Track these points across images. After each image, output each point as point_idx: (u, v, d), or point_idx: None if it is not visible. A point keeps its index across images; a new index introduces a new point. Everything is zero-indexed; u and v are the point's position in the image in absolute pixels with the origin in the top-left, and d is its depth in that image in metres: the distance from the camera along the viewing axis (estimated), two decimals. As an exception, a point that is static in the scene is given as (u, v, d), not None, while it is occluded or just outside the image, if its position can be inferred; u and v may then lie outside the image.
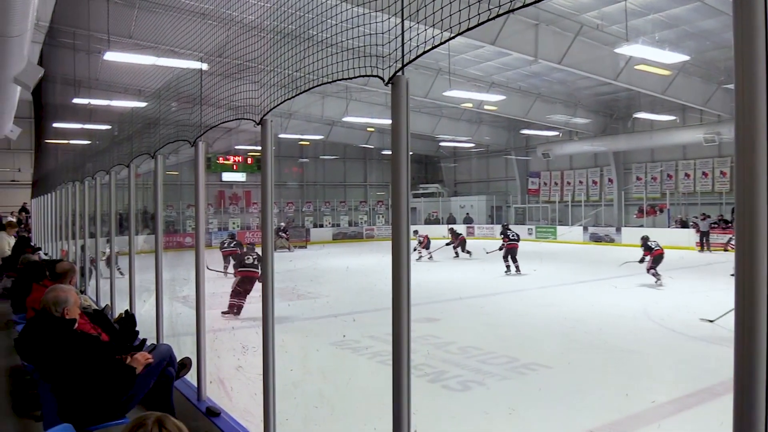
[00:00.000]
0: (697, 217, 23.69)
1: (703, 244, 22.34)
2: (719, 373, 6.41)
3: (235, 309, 10.31)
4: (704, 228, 22.44)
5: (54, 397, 3.53)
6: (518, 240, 16.93)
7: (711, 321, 9.11)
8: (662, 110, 23.93)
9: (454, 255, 21.31)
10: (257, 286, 10.11)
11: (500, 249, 16.85)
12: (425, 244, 20.83)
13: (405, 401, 2.35)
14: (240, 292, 10.42)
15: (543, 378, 6.72)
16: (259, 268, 10.15)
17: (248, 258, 10.76)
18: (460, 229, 26.00)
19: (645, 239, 14.37)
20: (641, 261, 14.20)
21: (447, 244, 21.46)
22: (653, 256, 13.85)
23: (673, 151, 26.83)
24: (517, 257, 16.47)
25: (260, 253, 11.75)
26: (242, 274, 10.57)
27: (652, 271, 13.72)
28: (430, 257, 20.62)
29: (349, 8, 2.83)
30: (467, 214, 35.01)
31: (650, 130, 26.30)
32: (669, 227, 25.65)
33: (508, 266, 16.35)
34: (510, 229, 17.41)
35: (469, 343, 8.17)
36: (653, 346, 8.23)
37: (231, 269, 13.25)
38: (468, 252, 21.23)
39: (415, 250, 20.22)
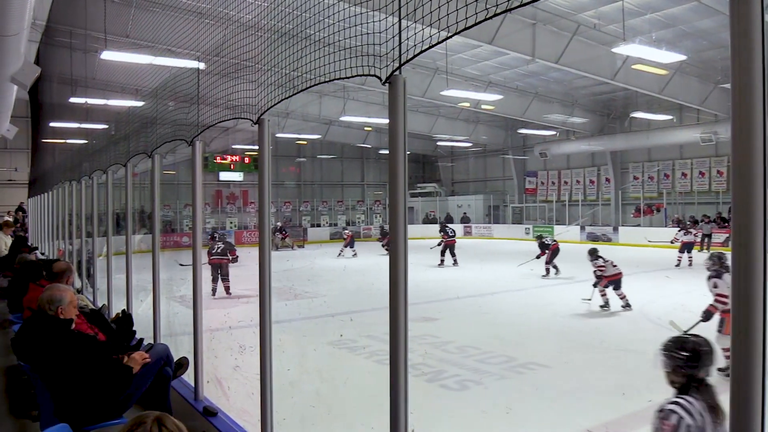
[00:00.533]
0: (701, 220, 23.72)
1: (703, 245, 22.25)
2: (716, 371, 6.42)
3: (213, 292, 12.67)
4: (707, 231, 22.23)
5: (51, 397, 3.52)
6: (455, 236, 18.99)
7: (588, 300, 10.85)
8: (659, 110, 23.98)
9: (385, 252, 22.67)
10: (241, 274, 12.72)
11: (439, 245, 18.71)
12: (348, 242, 22.72)
13: (402, 401, 2.35)
14: (215, 276, 12.82)
15: (540, 377, 6.73)
16: (227, 254, 12.96)
17: (214, 248, 13.00)
18: (457, 228, 26.41)
19: (539, 237, 16.60)
20: (538, 257, 15.90)
21: (378, 241, 23.54)
22: (551, 251, 15.50)
23: (670, 151, 26.87)
24: (455, 251, 18.48)
25: (229, 241, 13.80)
26: (213, 261, 12.81)
27: (548, 265, 15.38)
28: (354, 254, 22.15)
29: (347, 7, 2.82)
30: (464, 213, 35.03)
31: (647, 129, 26.33)
32: (666, 226, 25.68)
33: (442, 260, 18.32)
34: (448, 227, 19.28)
35: (466, 343, 8.18)
36: (650, 345, 8.21)
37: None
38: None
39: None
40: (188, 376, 4.58)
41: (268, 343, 3.41)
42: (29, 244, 15.32)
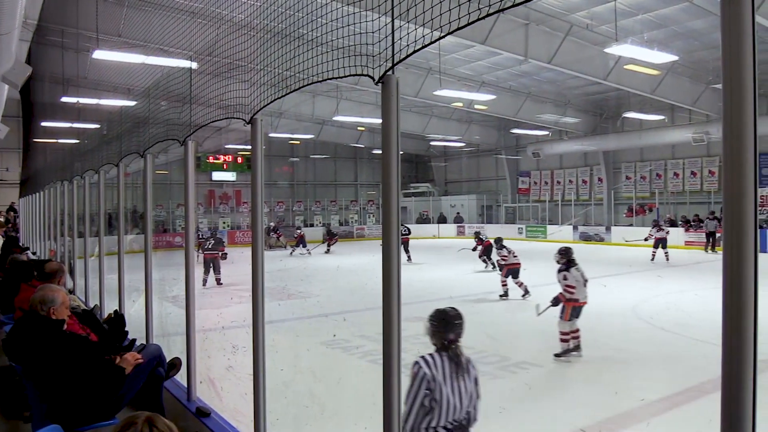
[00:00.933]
0: (693, 219, 23.73)
1: (708, 243, 22.02)
2: (707, 370, 6.46)
3: (204, 283, 13.93)
4: (711, 228, 21.72)
5: (43, 398, 3.50)
6: (409, 233, 20.06)
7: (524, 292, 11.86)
8: (651, 110, 24.07)
9: (326, 251, 24.28)
10: (233, 273, 14.15)
11: None
12: (298, 240, 24.15)
13: (396, 400, 2.35)
14: (207, 269, 14.20)
15: (533, 377, 6.75)
16: (216, 250, 14.44)
17: (207, 244, 14.45)
18: (450, 228, 26.40)
19: (477, 233, 17.67)
20: (474, 249, 17.25)
21: (324, 242, 25.31)
22: (484, 246, 16.68)
23: (662, 151, 26.98)
24: (409, 248, 19.35)
25: (219, 237, 14.37)
26: (206, 256, 14.24)
27: (483, 257, 16.72)
28: (309, 253, 23.36)
29: (340, 7, 2.82)
30: (458, 213, 35.06)
31: (639, 129, 26.44)
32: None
33: None
34: (403, 224, 20.32)
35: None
36: (642, 344, 8.28)
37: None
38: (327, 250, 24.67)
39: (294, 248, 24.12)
40: (181, 377, 4.56)
41: (261, 343, 3.40)
42: (20, 244, 15.24)
